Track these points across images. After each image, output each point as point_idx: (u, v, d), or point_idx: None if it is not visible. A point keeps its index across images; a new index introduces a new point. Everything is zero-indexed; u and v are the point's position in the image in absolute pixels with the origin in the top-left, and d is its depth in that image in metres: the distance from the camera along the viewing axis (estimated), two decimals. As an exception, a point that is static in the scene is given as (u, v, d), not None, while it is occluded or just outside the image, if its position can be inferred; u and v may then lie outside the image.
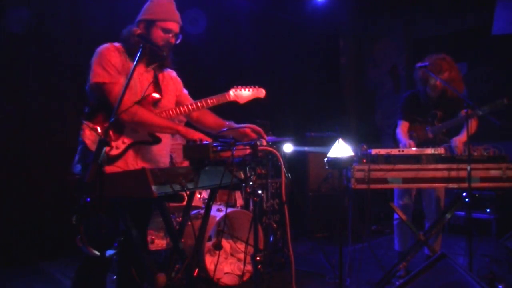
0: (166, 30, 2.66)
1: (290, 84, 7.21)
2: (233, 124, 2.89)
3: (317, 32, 7.54)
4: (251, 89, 2.96)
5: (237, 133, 2.80)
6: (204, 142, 2.28)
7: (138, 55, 2.35)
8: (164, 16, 2.66)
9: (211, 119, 2.97)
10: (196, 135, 2.52)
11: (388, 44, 7.86)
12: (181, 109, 2.74)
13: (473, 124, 3.78)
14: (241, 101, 2.93)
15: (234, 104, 2.96)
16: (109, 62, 2.53)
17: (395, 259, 4.12)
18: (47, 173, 4.72)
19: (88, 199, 1.88)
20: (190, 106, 2.76)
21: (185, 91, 3.00)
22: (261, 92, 3.01)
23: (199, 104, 2.78)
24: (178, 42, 2.75)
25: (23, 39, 4.63)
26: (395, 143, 4.07)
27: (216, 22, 6.22)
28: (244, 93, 2.93)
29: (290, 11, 7.09)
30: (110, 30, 4.91)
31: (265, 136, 2.74)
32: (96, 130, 2.48)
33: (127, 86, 2.22)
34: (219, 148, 2.27)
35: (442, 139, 3.92)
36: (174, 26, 2.69)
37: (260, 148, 2.37)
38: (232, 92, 2.89)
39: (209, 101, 2.80)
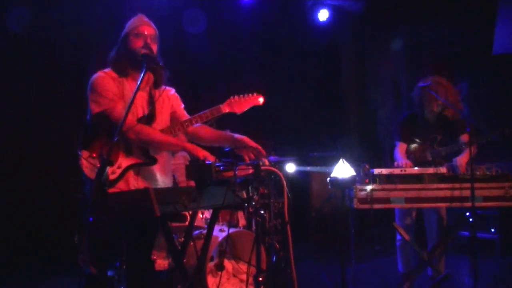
0: (138, 34, 2.67)
1: (292, 103, 7.23)
2: (228, 133, 2.87)
3: (319, 50, 7.59)
4: (247, 97, 2.85)
5: (236, 148, 2.80)
6: (207, 162, 2.29)
7: (141, 76, 2.38)
8: (133, 25, 2.70)
9: (206, 132, 2.94)
10: (201, 153, 2.53)
11: (390, 63, 7.90)
12: (176, 128, 2.73)
13: (467, 153, 3.78)
14: (238, 111, 2.83)
15: (236, 123, 2.97)
16: (104, 88, 2.58)
17: (398, 279, 4.07)
18: (48, 189, 4.71)
19: (91, 219, 1.88)
20: (184, 124, 2.74)
21: (182, 107, 2.98)
22: (258, 99, 2.88)
23: (193, 120, 2.75)
24: (158, 43, 2.74)
25: (24, 40, 4.67)
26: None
27: (218, 38, 6.29)
28: (240, 102, 2.83)
29: (291, 29, 7.15)
30: (111, 32, 4.99)
31: (263, 152, 2.71)
32: (93, 157, 2.49)
33: (130, 105, 2.24)
34: (221, 168, 2.27)
35: (441, 162, 3.90)
36: (146, 29, 2.70)
37: (262, 168, 2.37)
38: (227, 104, 2.82)
39: (203, 116, 2.75)
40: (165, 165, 2.80)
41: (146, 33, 2.69)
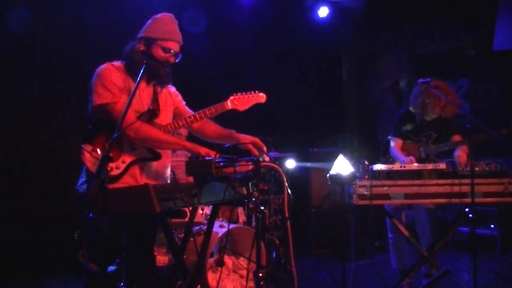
0: (166, 50, 2.66)
1: (292, 100, 7.24)
2: (234, 133, 2.88)
3: (319, 48, 7.58)
4: (250, 95, 2.86)
5: (240, 147, 2.81)
6: (207, 158, 2.29)
7: (141, 72, 2.38)
8: (164, 35, 2.66)
9: (212, 129, 2.95)
10: (203, 150, 2.53)
11: (390, 60, 7.90)
12: (179, 122, 2.73)
13: (465, 148, 3.80)
14: (241, 109, 2.85)
15: (237, 120, 2.95)
16: (110, 81, 2.55)
17: (398, 275, 4.08)
18: (48, 188, 4.72)
19: (91, 215, 1.89)
20: (188, 119, 2.75)
21: (184, 103, 3.00)
22: (261, 97, 2.90)
23: (197, 115, 2.76)
24: (177, 61, 2.75)
25: (26, 42, 4.67)
26: (386, 158, 4.08)
27: (218, 39, 6.28)
28: (243, 100, 2.84)
29: (292, 27, 7.14)
30: (113, 33, 4.98)
31: (266, 151, 2.73)
32: (96, 151, 2.50)
33: (130, 102, 2.24)
34: (221, 164, 2.27)
35: (434, 159, 3.91)
36: (175, 46, 2.70)
37: (262, 164, 2.37)
38: (230, 101, 2.82)
39: (207, 111, 2.75)
40: (166, 162, 2.82)
41: (173, 50, 2.69)
